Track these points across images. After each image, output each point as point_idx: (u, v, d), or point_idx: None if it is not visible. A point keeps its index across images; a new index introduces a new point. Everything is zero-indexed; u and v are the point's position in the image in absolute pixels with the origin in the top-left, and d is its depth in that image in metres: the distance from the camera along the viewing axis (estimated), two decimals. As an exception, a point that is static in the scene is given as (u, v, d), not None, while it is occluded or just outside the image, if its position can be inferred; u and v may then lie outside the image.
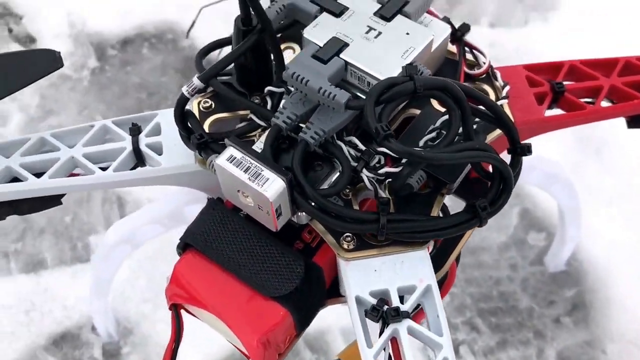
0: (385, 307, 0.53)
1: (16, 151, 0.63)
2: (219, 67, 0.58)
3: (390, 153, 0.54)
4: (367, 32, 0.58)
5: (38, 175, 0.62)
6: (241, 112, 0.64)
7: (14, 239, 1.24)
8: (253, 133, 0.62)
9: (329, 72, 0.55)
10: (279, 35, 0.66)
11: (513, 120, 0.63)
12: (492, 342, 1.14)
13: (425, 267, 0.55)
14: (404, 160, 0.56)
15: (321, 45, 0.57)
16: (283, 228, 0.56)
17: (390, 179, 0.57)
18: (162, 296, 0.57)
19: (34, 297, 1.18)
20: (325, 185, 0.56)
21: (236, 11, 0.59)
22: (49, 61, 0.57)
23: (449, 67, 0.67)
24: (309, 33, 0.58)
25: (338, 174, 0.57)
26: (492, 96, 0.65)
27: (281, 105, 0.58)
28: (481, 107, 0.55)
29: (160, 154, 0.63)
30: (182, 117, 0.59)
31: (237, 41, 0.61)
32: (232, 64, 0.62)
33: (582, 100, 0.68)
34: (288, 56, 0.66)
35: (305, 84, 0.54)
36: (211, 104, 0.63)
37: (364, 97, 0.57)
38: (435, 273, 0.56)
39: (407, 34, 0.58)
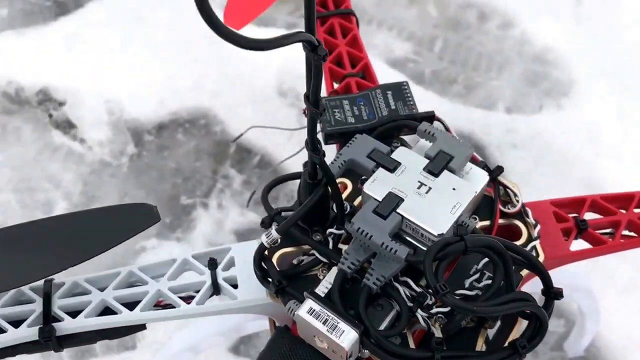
0: None
1: (109, 284, 0.72)
2: (294, 219, 0.67)
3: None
4: (418, 188, 0.67)
5: (128, 305, 0.71)
6: (305, 247, 0.73)
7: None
8: (316, 268, 0.71)
9: (388, 228, 0.64)
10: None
11: (544, 256, 0.72)
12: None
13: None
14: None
15: (379, 199, 0.66)
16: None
17: (440, 315, 0.66)
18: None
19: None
20: (385, 323, 0.65)
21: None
22: (146, 215, 0.66)
23: (486, 203, 0.76)
24: (368, 188, 0.67)
25: (395, 312, 0.65)
26: (525, 233, 0.74)
27: (344, 251, 0.67)
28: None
29: (235, 286, 0.72)
30: (261, 264, 0.68)
31: (305, 190, 0.70)
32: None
33: (604, 231, 0.77)
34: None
35: (369, 238, 0.63)
36: (277, 239, 0.71)
37: (417, 244, 0.66)
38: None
39: (454, 189, 0.67)
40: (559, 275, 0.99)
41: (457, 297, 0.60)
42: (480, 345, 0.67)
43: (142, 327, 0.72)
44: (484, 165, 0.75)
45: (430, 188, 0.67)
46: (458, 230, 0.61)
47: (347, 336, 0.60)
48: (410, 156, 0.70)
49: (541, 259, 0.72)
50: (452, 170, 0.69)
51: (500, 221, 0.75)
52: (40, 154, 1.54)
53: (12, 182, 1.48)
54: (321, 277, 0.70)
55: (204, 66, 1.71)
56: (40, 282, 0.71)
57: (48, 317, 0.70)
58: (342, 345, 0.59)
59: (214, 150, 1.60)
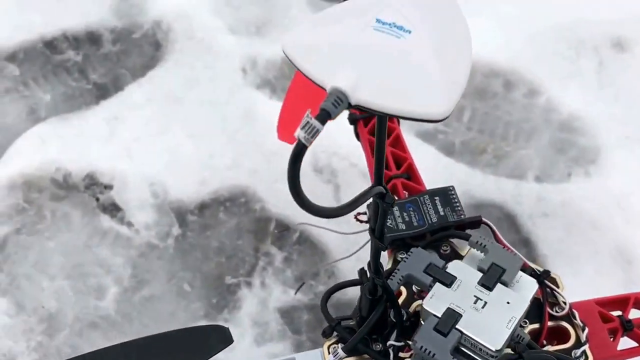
0: None
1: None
2: (359, 337, 0.72)
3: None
4: (475, 302, 0.72)
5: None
6: (365, 356, 0.78)
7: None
8: (379, 378, 0.76)
9: (450, 345, 0.69)
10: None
11: (592, 358, 0.77)
12: None
13: None
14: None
15: (439, 315, 0.71)
16: None
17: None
18: None
19: None
20: None
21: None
22: (220, 337, 0.71)
23: (535, 306, 0.80)
24: (428, 304, 0.72)
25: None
26: (573, 335, 0.78)
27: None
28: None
29: (303, 397, 0.77)
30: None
31: (365, 304, 0.75)
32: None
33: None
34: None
35: (432, 356, 0.68)
36: (344, 358, 0.76)
37: (475, 357, 0.71)
38: None
39: (508, 302, 0.72)
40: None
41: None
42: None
43: None
44: (532, 272, 0.80)
45: (485, 303, 0.72)
46: (517, 348, 0.66)
47: None
48: (464, 269, 0.75)
49: (590, 360, 0.77)
50: (504, 283, 0.74)
51: (549, 324, 0.80)
52: (90, 239, 1.61)
53: (65, 269, 1.54)
54: (384, 388, 0.75)
55: (241, 144, 1.78)
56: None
57: None
58: None
59: (254, 227, 1.66)
